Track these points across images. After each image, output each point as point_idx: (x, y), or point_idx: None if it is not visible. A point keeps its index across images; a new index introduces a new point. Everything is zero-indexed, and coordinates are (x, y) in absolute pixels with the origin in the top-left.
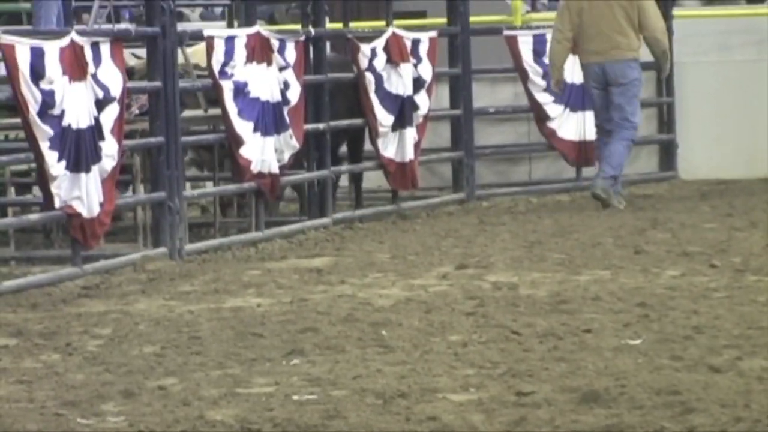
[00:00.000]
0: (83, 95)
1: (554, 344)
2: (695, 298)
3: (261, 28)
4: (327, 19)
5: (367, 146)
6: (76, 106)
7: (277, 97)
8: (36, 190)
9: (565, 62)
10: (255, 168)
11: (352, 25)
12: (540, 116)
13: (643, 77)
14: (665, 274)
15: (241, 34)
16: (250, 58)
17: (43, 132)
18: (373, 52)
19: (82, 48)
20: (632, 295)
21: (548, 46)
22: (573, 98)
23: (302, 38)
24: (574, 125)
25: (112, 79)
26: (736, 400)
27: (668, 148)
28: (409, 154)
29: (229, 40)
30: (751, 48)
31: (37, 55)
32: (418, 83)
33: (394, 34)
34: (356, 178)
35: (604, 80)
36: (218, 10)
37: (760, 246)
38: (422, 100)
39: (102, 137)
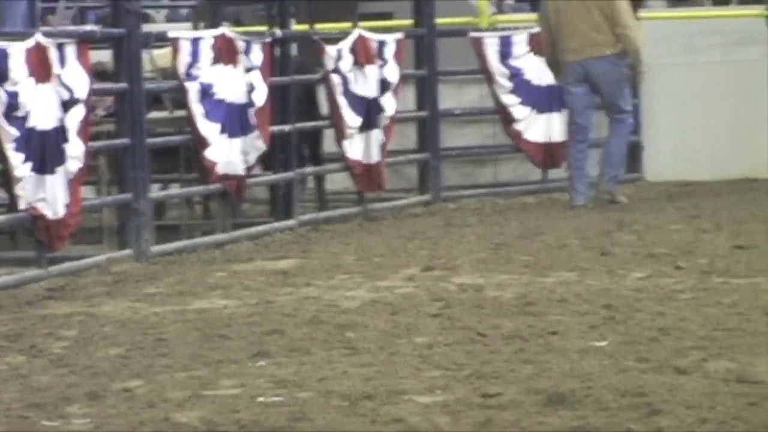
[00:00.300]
0: (48, 97)
1: (520, 346)
2: (661, 299)
3: (227, 29)
4: (293, 21)
5: (334, 148)
6: (42, 107)
7: (244, 99)
8: (0, 192)
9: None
10: (221, 170)
11: (318, 26)
12: (506, 118)
13: (624, 71)
14: (631, 276)
15: (207, 35)
16: (216, 60)
17: (8, 134)
18: (339, 53)
19: (47, 49)
20: (598, 296)
21: (516, 48)
22: (539, 100)
23: (268, 40)
24: (541, 127)
25: (78, 80)
26: (701, 401)
27: (634, 150)
28: (376, 156)
29: (195, 42)
30: (716, 50)
31: (2, 57)
32: (384, 85)
33: (360, 35)
34: (319, 180)
35: (585, 78)
36: (184, 11)
37: (726, 248)
38: (388, 101)
39: (67, 139)
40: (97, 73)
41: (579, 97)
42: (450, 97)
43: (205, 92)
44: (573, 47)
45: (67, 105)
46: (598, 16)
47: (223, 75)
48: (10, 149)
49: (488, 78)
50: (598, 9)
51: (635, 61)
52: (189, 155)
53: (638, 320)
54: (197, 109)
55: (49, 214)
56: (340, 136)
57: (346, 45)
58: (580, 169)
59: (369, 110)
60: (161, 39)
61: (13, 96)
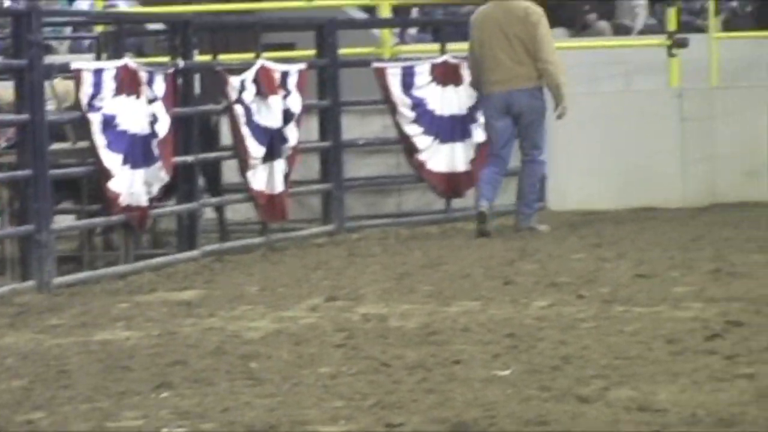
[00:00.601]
0: None
1: (423, 376)
2: (563, 328)
3: (130, 60)
4: (196, 52)
5: (237, 178)
6: None
7: (147, 130)
8: None
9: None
10: (124, 201)
11: (221, 57)
12: (409, 148)
13: (545, 105)
14: (534, 305)
15: (110, 66)
16: (118, 91)
17: None
18: (242, 84)
19: None
20: (501, 326)
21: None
22: (442, 130)
23: (171, 71)
24: (444, 157)
25: None
26: (603, 430)
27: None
28: (279, 186)
29: (98, 73)
30: (619, 79)
31: None
32: (287, 115)
33: (263, 66)
34: (219, 210)
35: (507, 110)
36: (86, 42)
37: (628, 276)
38: (292, 132)
39: None
40: None
41: (502, 129)
42: (353, 128)
43: (108, 123)
44: (496, 79)
45: None
46: (520, 48)
47: (126, 106)
48: None
49: (391, 108)
50: (521, 42)
51: (556, 96)
52: (92, 186)
53: (541, 349)
54: (100, 140)
55: None
56: (244, 166)
57: (249, 76)
58: (487, 183)
59: (272, 141)
60: (64, 70)
61: None
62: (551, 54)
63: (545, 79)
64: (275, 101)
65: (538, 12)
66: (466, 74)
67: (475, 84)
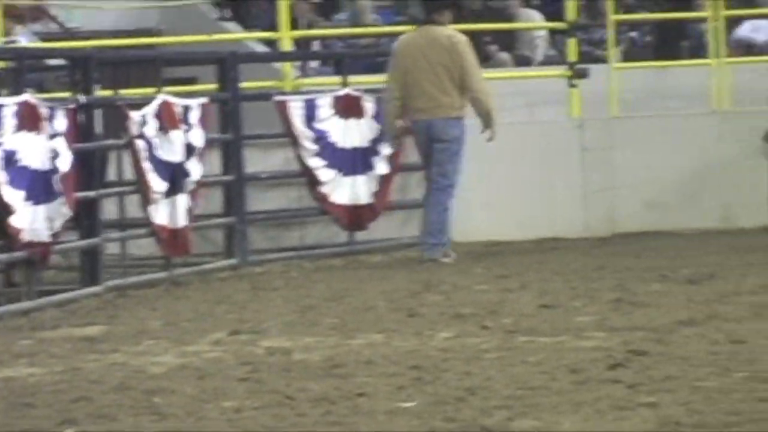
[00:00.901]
0: None
1: (327, 409)
2: (468, 359)
3: (30, 96)
4: (97, 87)
5: (140, 213)
6: None
7: (48, 165)
8: None
9: (398, 120)
10: (26, 237)
11: (123, 92)
12: (312, 181)
13: (465, 137)
14: (438, 337)
15: (10, 102)
16: (19, 127)
17: None
18: (144, 119)
19: None
20: (405, 357)
21: (320, 111)
22: (345, 162)
23: (72, 106)
24: (346, 189)
25: None
26: None
27: None
28: (182, 221)
29: None
30: (520, 110)
31: None
32: (189, 149)
33: (164, 101)
34: (122, 245)
35: (428, 137)
36: None
37: (532, 307)
38: (194, 166)
39: None
40: None
41: (427, 157)
42: (256, 161)
43: (9, 159)
44: (420, 107)
45: None
46: (445, 77)
47: (27, 142)
48: None
49: (293, 141)
50: (446, 70)
51: (487, 122)
52: None
53: (445, 380)
54: (1, 176)
55: None
56: (146, 201)
57: (150, 110)
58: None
59: (174, 175)
60: None
61: None
62: (480, 82)
63: (476, 108)
64: (177, 135)
65: (463, 40)
66: (368, 107)
67: (390, 112)
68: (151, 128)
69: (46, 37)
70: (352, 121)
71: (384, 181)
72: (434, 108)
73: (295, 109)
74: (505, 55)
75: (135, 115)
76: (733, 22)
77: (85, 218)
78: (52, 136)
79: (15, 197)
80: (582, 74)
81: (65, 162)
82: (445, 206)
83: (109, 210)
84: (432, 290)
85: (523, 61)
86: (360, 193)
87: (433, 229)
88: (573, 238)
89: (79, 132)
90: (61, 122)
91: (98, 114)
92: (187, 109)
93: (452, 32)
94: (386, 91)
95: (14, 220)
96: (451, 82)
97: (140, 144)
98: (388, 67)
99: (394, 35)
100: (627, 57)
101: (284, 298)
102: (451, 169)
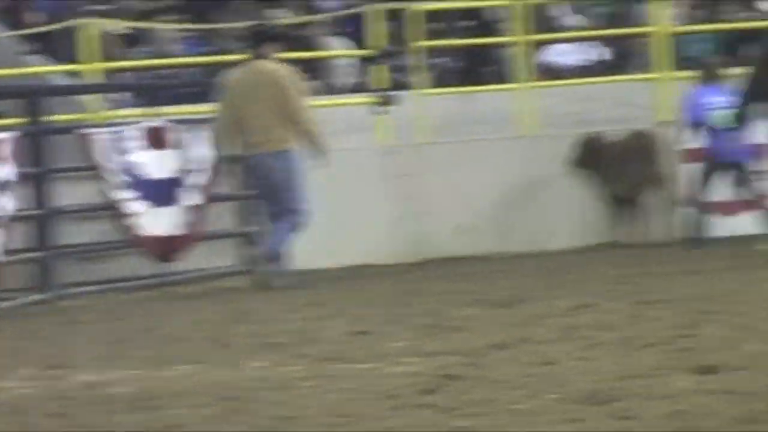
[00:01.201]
0: None
1: None
2: (282, 388)
3: None
4: None
5: None
6: None
7: None
8: None
9: (230, 144)
10: None
11: None
12: (120, 213)
13: (301, 165)
14: (251, 366)
15: None
16: None
17: None
18: None
19: None
20: (219, 388)
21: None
22: (154, 193)
23: None
24: (156, 221)
25: None
26: None
27: (249, 241)
28: None
29: None
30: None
31: None
32: (1, 185)
33: None
34: None
35: (263, 171)
36: None
37: (346, 334)
38: (6, 200)
39: None
40: None
41: (265, 189)
42: (65, 194)
43: None
44: (252, 142)
45: None
46: (274, 111)
47: None
48: None
49: (101, 174)
50: (274, 104)
51: (318, 150)
52: None
53: (259, 410)
54: None
55: None
56: None
57: None
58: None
59: None
60: None
61: None
62: (304, 113)
63: (304, 139)
64: None
65: (287, 74)
66: (175, 137)
67: (219, 145)
68: None
69: None
70: (161, 152)
71: (196, 211)
72: (266, 142)
73: (101, 142)
74: (311, 84)
75: None
76: (539, 47)
77: None
78: None
79: None
80: (388, 101)
81: None
82: (286, 232)
83: None
84: (246, 320)
85: (329, 90)
86: (171, 224)
87: (270, 252)
88: (384, 264)
89: None
90: None
91: None
92: None
93: (276, 66)
94: (217, 121)
95: None
96: (280, 115)
97: None
98: (217, 99)
99: (199, 66)
100: (438, 83)
101: (96, 331)
102: (292, 198)
